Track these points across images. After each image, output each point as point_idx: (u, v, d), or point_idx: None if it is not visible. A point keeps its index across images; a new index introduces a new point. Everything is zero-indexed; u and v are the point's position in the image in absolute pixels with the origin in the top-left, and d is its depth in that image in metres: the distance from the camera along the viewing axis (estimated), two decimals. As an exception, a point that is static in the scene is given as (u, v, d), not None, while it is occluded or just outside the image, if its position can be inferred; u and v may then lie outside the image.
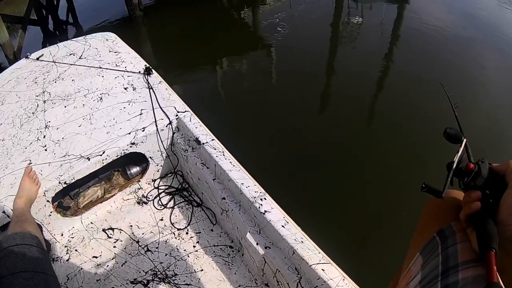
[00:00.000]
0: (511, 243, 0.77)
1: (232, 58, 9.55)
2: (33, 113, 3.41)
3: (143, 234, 3.00)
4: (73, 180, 2.87)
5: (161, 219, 3.11)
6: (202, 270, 2.75)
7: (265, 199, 2.50)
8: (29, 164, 2.90)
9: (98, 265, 2.81)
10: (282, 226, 2.32)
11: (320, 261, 2.13)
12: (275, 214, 2.40)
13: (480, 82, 7.86)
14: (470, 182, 0.92)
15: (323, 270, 2.08)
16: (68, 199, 3.15)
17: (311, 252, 2.17)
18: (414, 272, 0.96)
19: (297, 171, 5.71)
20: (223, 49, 9.89)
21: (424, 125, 6.16)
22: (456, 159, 0.96)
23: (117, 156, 3.01)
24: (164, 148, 3.27)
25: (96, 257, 2.86)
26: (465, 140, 1.00)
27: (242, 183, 2.60)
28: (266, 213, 2.40)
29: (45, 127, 3.22)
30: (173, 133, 3.25)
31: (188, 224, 3.06)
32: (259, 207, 2.44)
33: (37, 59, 4.09)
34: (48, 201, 2.81)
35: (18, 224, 2.10)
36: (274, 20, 10.92)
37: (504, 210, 0.82)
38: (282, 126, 6.68)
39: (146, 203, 3.24)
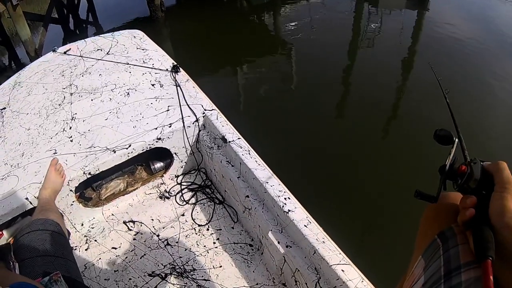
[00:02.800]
0: (503, 246, 0.77)
1: (252, 61, 9.63)
2: (59, 104, 3.45)
3: (163, 228, 3.02)
4: (98, 171, 2.91)
5: (183, 215, 3.13)
6: (220, 266, 2.76)
7: (289, 198, 2.51)
8: (54, 153, 2.94)
9: (116, 256, 2.84)
10: (305, 225, 2.33)
11: (340, 262, 2.14)
12: (298, 214, 2.41)
13: (498, 88, 7.85)
14: (464, 184, 0.91)
15: (342, 271, 2.09)
16: (90, 190, 3.19)
17: (332, 253, 2.18)
18: (417, 275, 0.97)
19: (320, 172, 5.75)
20: (243, 52, 9.98)
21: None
22: (448, 162, 0.96)
23: (142, 150, 3.05)
24: (189, 145, 3.30)
25: (115, 248, 2.89)
26: (457, 140, 1.00)
27: (267, 182, 2.62)
28: (289, 212, 2.42)
29: (71, 119, 3.26)
30: (199, 131, 3.28)
31: (209, 221, 3.08)
32: (283, 206, 2.46)
33: (65, 53, 4.15)
34: (71, 190, 2.85)
35: (41, 212, 2.15)
36: (293, 25, 10.99)
37: (493, 214, 0.82)
38: (304, 127, 6.74)
39: (168, 198, 3.26)
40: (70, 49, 4.23)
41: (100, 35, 4.44)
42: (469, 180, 0.89)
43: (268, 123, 6.97)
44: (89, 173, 2.87)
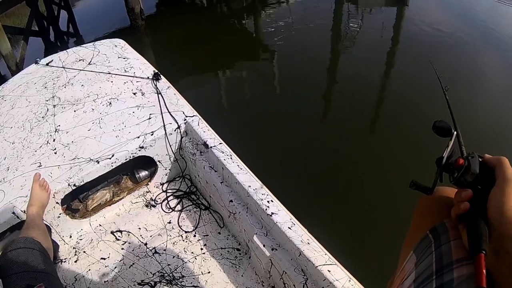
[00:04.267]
0: (500, 242, 0.77)
1: (234, 65, 9.63)
2: (43, 117, 3.45)
3: (151, 236, 3.03)
4: (82, 183, 2.91)
5: (169, 222, 3.13)
6: (209, 272, 2.77)
7: (272, 201, 2.52)
8: (39, 166, 2.94)
9: (106, 266, 2.84)
10: (289, 227, 2.34)
11: (326, 262, 2.14)
12: (282, 216, 2.42)
13: (481, 82, 7.89)
14: (461, 177, 0.90)
15: (329, 271, 2.09)
16: (77, 202, 3.18)
17: (317, 254, 2.19)
18: (408, 271, 0.96)
19: (302, 173, 5.74)
20: (225, 56, 9.96)
21: (425, 125, 6.16)
22: (445, 154, 0.95)
23: (126, 159, 3.05)
24: (173, 152, 3.30)
25: (104, 259, 2.89)
26: (455, 133, 0.98)
27: (249, 186, 2.63)
28: (273, 215, 2.42)
29: (55, 131, 3.27)
30: (182, 137, 3.28)
31: (196, 227, 3.08)
32: (266, 209, 2.46)
33: (47, 64, 4.15)
34: (57, 203, 2.85)
35: (24, 230, 2.16)
36: (275, 26, 10.97)
37: (491, 209, 0.81)
38: (287, 129, 6.72)
39: (154, 206, 3.26)
40: (52, 60, 4.23)
41: (82, 45, 4.44)
42: (466, 174, 0.88)
43: (251, 126, 6.97)
44: (74, 185, 2.87)
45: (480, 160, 0.90)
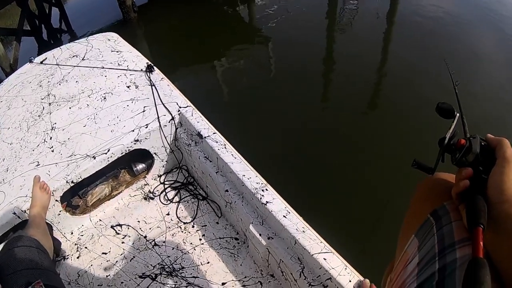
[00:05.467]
0: (498, 221, 0.79)
1: (229, 53, 9.53)
2: (39, 116, 3.47)
3: (150, 229, 3.05)
4: (80, 179, 2.93)
5: (168, 214, 3.15)
6: (208, 262, 2.79)
7: (266, 190, 2.52)
8: (37, 165, 2.97)
9: (107, 261, 2.86)
10: (284, 216, 2.34)
11: (322, 250, 2.14)
12: (277, 205, 2.42)
13: (479, 60, 7.82)
14: (462, 158, 0.91)
15: (325, 259, 2.09)
16: (76, 198, 3.20)
17: (312, 242, 2.19)
18: (411, 255, 0.97)
19: (297, 161, 5.69)
20: (220, 45, 9.86)
21: (426, 107, 6.12)
22: (448, 135, 0.97)
23: (122, 153, 3.06)
24: (168, 144, 3.31)
25: (106, 254, 2.92)
26: (458, 115, 1.00)
27: (244, 175, 2.63)
28: (267, 204, 2.43)
29: (51, 129, 3.29)
30: (176, 128, 3.28)
31: (194, 218, 3.10)
32: (261, 198, 2.47)
33: (41, 62, 4.17)
34: (57, 200, 2.87)
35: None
36: (269, 12, 10.86)
37: (491, 188, 0.83)
38: (282, 117, 6.64)
39: (152, 198, 3.28)
40: (46, 58, 4.25)
41: (75, 41, 4.44)
42: (467, 154, 0.90)
43: (246, 114, 6.90)
44: (72, 182, 2.89)
45: (482, 142, 0.91)
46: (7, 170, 3.03)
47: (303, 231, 2.25)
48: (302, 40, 9.30)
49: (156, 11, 12.53)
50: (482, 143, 0.91)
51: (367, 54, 8.32)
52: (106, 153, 2.98)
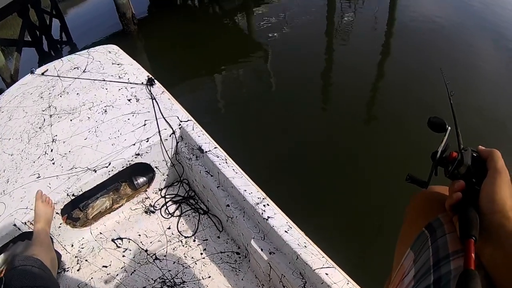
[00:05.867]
0: (490, 232, 0.80)
1: (229, 65, 9.57)
2: (40, 127, 3.48)
3: (151, 243, 3.05)
4: (81, 192, 2.93)
5: (169, 228, 3.15)
6: (209, 277, 2.78)
7: (268, 205, 2.53)
8: (37, 177, 2.97)
9: (107, 274, 2.86)
10: (285, 231, 2.35)
11: (324, 265, 2.14)
12: (278, 220, 2.43)
13: (475, 69, 7.87)
14: (454, 170, 0.93)
15: (327, 274, 2.09)
16: (77, 210, 3.20)
17: (314, 257, 2.19)
18: (407, 268, 0.98)
19: (299, 175, 5.70)
20: (219, 57, 9.91)
21: (421, 116, 6.15)
22: (440, 149, 0.98)
23: (122, 167, 3.06)
24: (169, 158, 3.32)
25: (106, 267, 2.91)
26: (449, 128, 1.02)
27: (245, 190, 2.63)
28: (269, 219, 2.43)
29: (52, 141, 3.30)
30: (177, 142, 3.29)
31: (195, 232, 3.09)
32: (262, 213, 2.47)
33: (42, 74, 4.18)
34: (57, 213, 2.87)
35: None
36: (268, 24, 10.93)
37: (483, 198, 0.84)
38: (283, 129, 6.68)
39: (153, 212, 3.28)
40: (47, 69, 4.26)
41: (76, 53, 4.46)
42: (459, 166, 0.92)
43: (246, 128, 6.93)
44: (73, 195, 2.89)
45: (474, 154, 0.93)
46: (8, 181, 3.03)
47: (305, 246, 2.25)
48: (301, 51, 9.37)
49: (156, 23, 12.59)
50: (474, 155, 0.93)
51: (365, 64, 8.37)
52: (107, 167, 2.99)
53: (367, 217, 4.93)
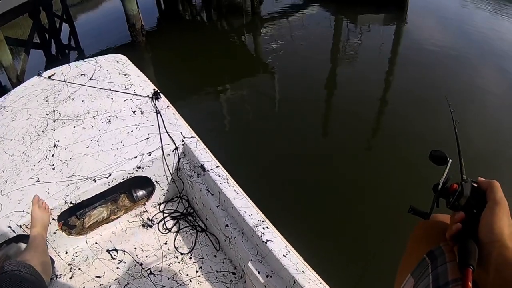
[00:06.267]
0: (489, 260, 0.82)
1: (234, 83, 9.64)
2: (42, 131, 3.48)
3: (146, 256, 3.02)
4: (79, 201, 2.93)
5: (165, 243, 3.12)
6: None
7: (267, 228, 2.51)
8: (36, 181, 2.96)
9: (100, 285, 2.83)
10: (284, 255, 2.34)
11: None
12: (277, 244, 2.41)
13: (478, 97, 7.94)
14: (455, 202, 0.95)
15: None
16: (74, 218, 3.19)
17: (312, 283, 2.17)
18: None
19: (300, 198, 5.71)
20: (225, 74, 9.98)
21: (424, 146, 6.19)
22: (441, 181, 1.00)
23: (123, 179, 3.06)
24: (170, 173, 3.31)
25: (99, 277, 2.88)
26: (450, 161, 1.04)
27: (245, 211, 2.63)
28: (268, 242, 2.42)
29: (54, 146, 3.29)
30: (179, 158, 3.29)
31: (192, 249, 3.07)
32: (261, 236, 2.46)
33: (49, 77, 4.18)
34: (53, 219, 2.85)
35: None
36: (275, 44, 11.02)
37: (482, 228, 0.86)
38: (285, 151, 6.71)
39: (150, 226, 3.26)
40: (54, 73, 4.26)
41: (84, 60, 4.47)
42: (459, 198, 0.94)
43: (249, 148, 6.96)
44: (71, 202, 2.89)
45: (474, 185, 0.96)
46: (6, 182, 3.03)
47: (303, 271, 2.24)
48: (305, 73, 9.45)
49: (164, 36, 12.67)
50: (474, 185, 0.96)
51: (368, 89, 8.46)
52: (107, 177, 2.98)
53: (366, 244, 4.93)
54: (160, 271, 2.92)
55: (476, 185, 0.95)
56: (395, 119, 7.48)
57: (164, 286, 2.81)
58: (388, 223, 5.01)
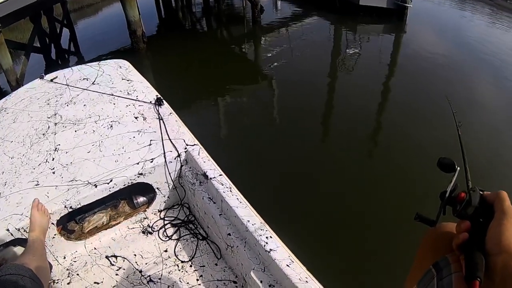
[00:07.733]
0: (496, 271, 0.81)
1: (233, 91, 9.71)
2: (43, 134, 3.46)
3: (146, 264, 2.99)
4: (79, 206, 2.90)
5: (165, 250, 3.10)
6: None
7: (270, 237, 2.50)
8: (36, 185, 2.93)
9: None
10: (287, 265, 2.32)
11: None
12: (280, 253, 2.40)
13: (478, 105, 7.98)
14: (462, 211, 0.94)
15: None
16: (73, 223, 3.16)
17: None
18: None
19: (303, 208, 5.70)
20: (224, 82, 10.04)
21: (423, 153, 6.21)
22: (449, 189, 0.99)
23: (124, 185, 3.04)
24: (172, 180, 3.29)
25: (98, 283, 2.85)
26: (458, 169, 1.03)
27: (248, 221, 2.61)
28: (271, 252, 2.40)
29: (55, 150, 3.27)
30: (181, 166, 3.27)
31: (193, 257, 3.04)
32: (265, 245, 2.44)
33: (51, 80, 4.16)
34: (52, 223, 2.83)
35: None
36: (274, 53, 11.10)
37: (489, 240, 0.85)
38: (286, 158, 6.74)
39: (151, 233, 3.23)
40: (57, 77, 4.25)
41: (87, 64, 4.45)
42: (467, 207, 0.93)
43: (251, 157, 6.98)
44: (71, 207, 2.86)
45: (481, 193, 0.95)
46: (5, 184, 3.00)
47: (306, 281, 2.22)
48: (305, 82, 9.50)
49: (164, 43, 12.73)
50: (482, 194, 0.95)
51: (369, 97, 8.53)
52: (108, 183, 2.96)
53: (372, 256, 4.92)
54: (160, 278, 2.89)
55: (483, 193, 0.94)
56: (396, 126, 7.55)
57: None
58: (394, 232, 5.01)
